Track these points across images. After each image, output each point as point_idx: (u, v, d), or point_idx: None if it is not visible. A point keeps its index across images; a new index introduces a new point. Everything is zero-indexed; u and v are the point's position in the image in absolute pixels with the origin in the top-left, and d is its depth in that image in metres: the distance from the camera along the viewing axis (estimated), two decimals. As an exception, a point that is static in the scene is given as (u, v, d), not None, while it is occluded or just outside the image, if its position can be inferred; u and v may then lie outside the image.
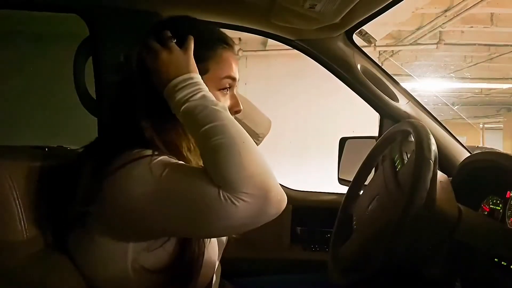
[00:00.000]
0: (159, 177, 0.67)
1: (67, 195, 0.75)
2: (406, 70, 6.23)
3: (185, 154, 0.78)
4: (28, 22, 2.64)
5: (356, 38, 1.38)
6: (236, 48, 0.96)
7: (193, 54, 0.78)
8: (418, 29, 4.81)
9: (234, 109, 0.85)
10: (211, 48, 0.81)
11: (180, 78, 0.74)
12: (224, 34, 0.86)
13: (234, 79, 0.84)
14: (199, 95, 0.73)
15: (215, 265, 0.88)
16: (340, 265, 0.99)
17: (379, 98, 1.40)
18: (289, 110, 4.79)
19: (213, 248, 0.84)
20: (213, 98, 0.74)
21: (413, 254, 0.82)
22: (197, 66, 0.77)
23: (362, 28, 1.32)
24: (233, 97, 0.85)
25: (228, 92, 0.84)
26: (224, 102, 0.82)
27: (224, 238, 0.92)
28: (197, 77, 0.75)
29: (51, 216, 0.75)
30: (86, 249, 0.74)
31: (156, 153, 0.71)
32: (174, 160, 0.72)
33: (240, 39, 4.53)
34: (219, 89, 0.82)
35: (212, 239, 0.83)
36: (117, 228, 0.72)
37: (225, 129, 0.69)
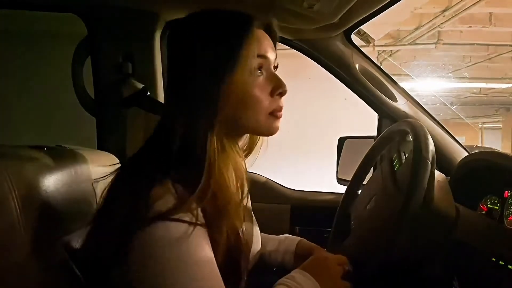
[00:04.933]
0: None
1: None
2: (404, 70, 6.24)
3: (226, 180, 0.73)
4: (27, 22, 2.64)
5: (354, 37, 1.38)
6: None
7: (220, 48, 0.71)
8: (416, 29, 4.81)
9: (278, 91, 0.76)
10: (237, 35, 0.72)
11: None
12: (247, 14, 0.76)
13: (265, 57, 0.76)
14: None
15: None
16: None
17: (377, 98, 1.40)
18: (288, 110, 4.75)
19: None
20: None
21: (411, 254, 0.82)
22: (225, 58, 0.71)
23: (360, 28, 1.33)
24: (273, 77, 0.77)
25: (262, 73, 0.76)
26: (262, 86, 0.75)
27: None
28: None
29: (50, 216, 0.75)
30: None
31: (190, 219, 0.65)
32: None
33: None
34: (250, 72, 0.73)
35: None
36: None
37: None
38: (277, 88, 0.76)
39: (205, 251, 0.66)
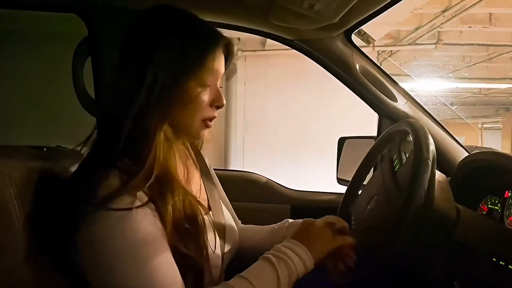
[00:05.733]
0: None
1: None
2: (404, 70, 6.23)
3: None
4: (27, 22, 2.64)
5: (354, 38, 1.38)
6: (235, 48, 0.97)
7: (188, 56, 0.76)
8: (416, 29, 4.81)
9: (216, 103, 0.82)
10: (205, 49, 0.79)
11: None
12: (217, 31, 0.83)
13: (217, 73, 0.83)
14: None
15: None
16: (339, 265, 0.99)
17: (377, 98, 1.40)
18: (288, 110, 4.78)
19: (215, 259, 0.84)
20: None
21: (411, 254, 0.82)
22: (189, 66, 0.77)
23: (360, 28, 1.32)
24: (217, 91, 0.83)
25: (209, 85, 0.82)
26: (205, 96, 0.81)
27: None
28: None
29: (49, 216, 0.75)
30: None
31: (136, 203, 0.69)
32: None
33: (239, 39, 4.53)
34: (202, 82, 0.79)
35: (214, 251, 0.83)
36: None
37: None
38: (217, 101, 0.83)
39: (150, 234, 0.70)
